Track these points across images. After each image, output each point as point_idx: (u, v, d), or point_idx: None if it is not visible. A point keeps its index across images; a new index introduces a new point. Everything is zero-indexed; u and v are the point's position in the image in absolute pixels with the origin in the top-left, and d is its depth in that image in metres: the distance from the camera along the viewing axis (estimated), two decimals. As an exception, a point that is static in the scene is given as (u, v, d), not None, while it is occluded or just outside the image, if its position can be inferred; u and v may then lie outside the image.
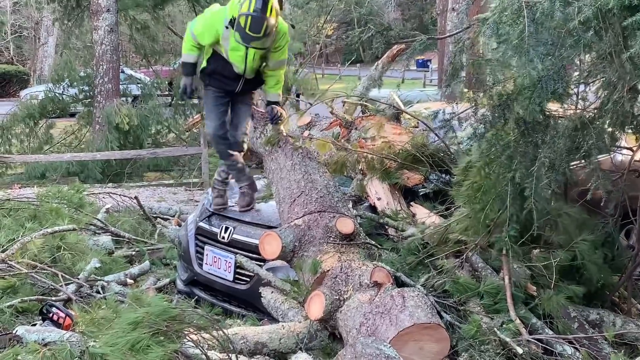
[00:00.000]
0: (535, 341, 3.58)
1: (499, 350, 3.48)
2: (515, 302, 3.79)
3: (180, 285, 5.32)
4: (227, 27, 4.76)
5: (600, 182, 3.56)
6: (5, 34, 29.88)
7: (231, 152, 5.11)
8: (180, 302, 4.91)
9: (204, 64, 5.11)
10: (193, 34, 4.99)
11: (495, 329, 3.58)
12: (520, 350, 3.41)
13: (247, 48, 4.80)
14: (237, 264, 4.59)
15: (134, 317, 2.85)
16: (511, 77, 3.82)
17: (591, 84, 3.92)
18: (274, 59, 5.02)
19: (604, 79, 3.51)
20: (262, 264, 4.49)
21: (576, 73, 3.86)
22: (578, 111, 3.82)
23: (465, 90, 5.02)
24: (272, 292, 4.29)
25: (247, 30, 4.56)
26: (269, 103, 5.16)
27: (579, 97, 4.05)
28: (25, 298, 4.31)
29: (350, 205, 4.79)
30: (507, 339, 3.47)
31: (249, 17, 4.54)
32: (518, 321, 3.64)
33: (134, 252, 6.18)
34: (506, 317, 3.70)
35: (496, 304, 3.82)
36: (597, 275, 4.07)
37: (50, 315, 4.03)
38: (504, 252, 3.92)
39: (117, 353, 2.74)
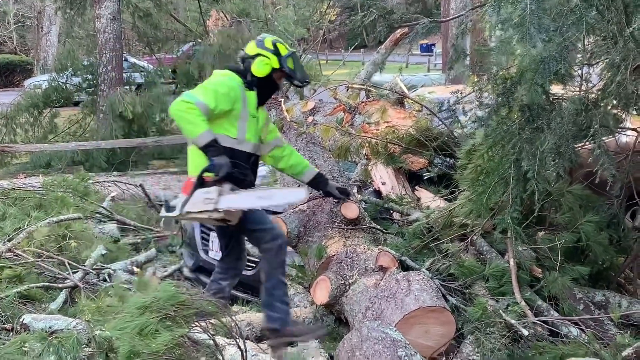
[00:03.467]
0: (541, 323, 3.59)
1: (504, 332, 3.49)
2: (521, 284, 3.79)
3: (186, 271, 5.33)
4: (248, 89, 3.75)
5: (606, 164, 3.54)
6: (8, 23, 29.84)
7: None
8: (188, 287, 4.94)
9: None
10: (200, 102, 3.49)
11: (500, 311, 3.58)
12: (525, 332, 3.42)
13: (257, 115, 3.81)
14: (243, 250, 4.58)
15: (142, 302, 2.86)
16: (514, 62, 3.79)
17: (594, 66, 3.90)
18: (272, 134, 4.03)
19: (607, 60, 3.48)
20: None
21: (579, 55, 3.83)
22: (582, 93, 3.80)
23: (470, 74, 5.00)
24: (278, 277, 4.28)
25: (300, 71, 3.81)
26: (316, 182, 4.13)
27: (583, 78, 4.03)
28: (32, 285, 4.32)
29: (354, 190, 4.79)
30: (513, 321, 3.48)
31: (292, 57, 3.80)
32: (523, 303, 3.65)
33: (139, 240, 6.20)
34: (511, 300, 3.71)
35: (501, 287, 3.83)
36: (602, 256, 4.07)
37: None
38: (508, 234, 3.92)
39: (125, 337, 2.75)
